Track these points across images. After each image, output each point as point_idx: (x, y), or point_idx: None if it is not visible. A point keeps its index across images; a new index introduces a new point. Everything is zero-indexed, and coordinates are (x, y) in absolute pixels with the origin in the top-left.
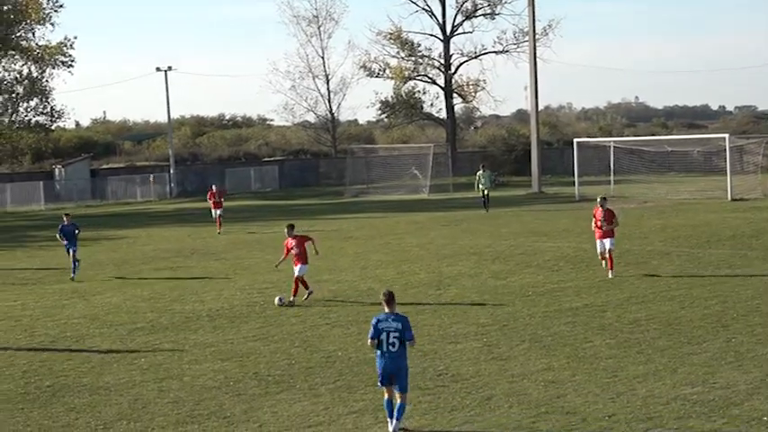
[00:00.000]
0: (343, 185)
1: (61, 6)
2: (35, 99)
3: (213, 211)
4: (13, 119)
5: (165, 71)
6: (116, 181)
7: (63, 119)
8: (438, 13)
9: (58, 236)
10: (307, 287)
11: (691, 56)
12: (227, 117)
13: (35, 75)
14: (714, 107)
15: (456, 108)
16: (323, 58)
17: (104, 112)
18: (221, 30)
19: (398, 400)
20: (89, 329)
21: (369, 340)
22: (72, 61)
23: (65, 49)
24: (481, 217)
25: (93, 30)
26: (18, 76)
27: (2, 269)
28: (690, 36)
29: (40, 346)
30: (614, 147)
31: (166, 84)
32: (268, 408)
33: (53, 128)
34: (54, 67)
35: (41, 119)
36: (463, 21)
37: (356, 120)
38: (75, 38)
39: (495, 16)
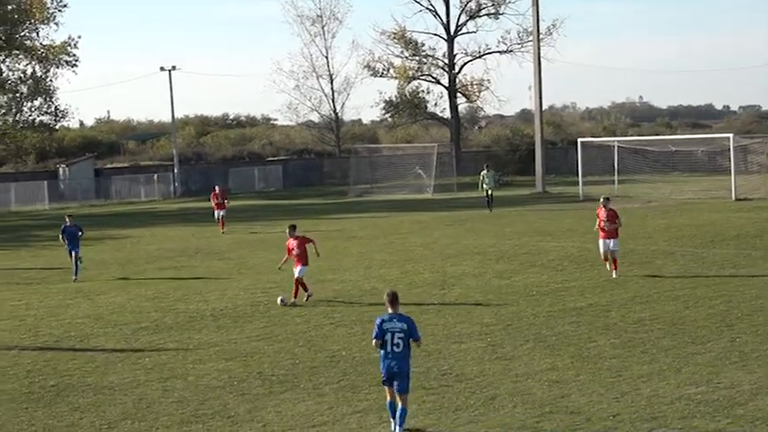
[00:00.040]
0: (347, 185)
1: (65, 6)
2: (39, 99)
3: (216, 212)
4: (17, 118)
5: (170, 71)
6: (120, 180)
7: (67, 118)
8: (442, 12)
9: (60, 237)
10: (306, 289)
11: (695, 55)
12: (230, 117)
13: (39, 74)
14: (718, 107)
15: (460, 108)
16: (327, 57)
17: (108, 112)
18: (225, 29)
19: (399, 404)
20: (93, 329)
21: (373, 340)
22: (76, 61)
23: (69, 48)
24: (485, 217)
25: (98, 29)
26: (22, 75)
27: (6, 269)
28: (693, 36)
29: (45, 345)
30: (618, 146)
31: (170, 83)
32: (272, 407)
33: (57, 127)
34: (58, 67)
35: (45, 118)
36: (467, 20)
37: (360, 119)
38: (80, 37)
39: (499, 16)
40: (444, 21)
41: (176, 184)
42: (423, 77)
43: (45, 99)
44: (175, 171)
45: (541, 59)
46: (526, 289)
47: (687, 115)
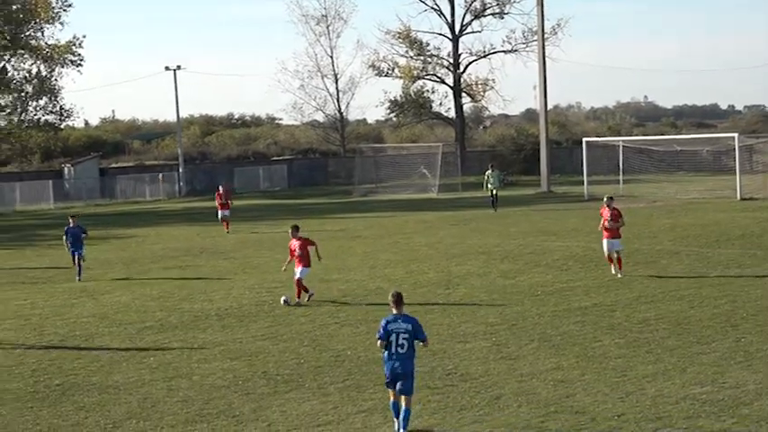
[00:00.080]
0: (352, 185)
1: (70, 5)
2: (44, 98)
3: (220, 212)
4: (22, 118)
5: (174, 70)
6: (125, 180)
7: (72, 118)
8: (447, 12)
9: (64, 240)
10: (306, 290)
11: (700, 55)
12: (235, 116)
13: (44, 74)
14: (723, 106)
15: (465, 107)
16: (332, 57)
17: (113, 111)
18: (230, 29)
19: (403, 405)
20: (98, 328)
21: (378, 341)
22: (81, 60)
23: (74, 48)
24: (490, 216)
25: (103, 29)
26: (27, 75)
27: (11, 268)
28: (698, 35)
29: (50, 344)
30: (623, 146)
31: (175, 83)
32: (277, 407)
33: (62, 127)
34: (63, 66)
35: (50, 118)
36: (472, 20)
37: (365, 119)
38: (84, 37)
39: (504, 15)
40: (449, 20)
41: (181, 183)
42: (427, 77)
43: (50, 98)
44: (180, 170)
45: (546, 59)
46: (531, 289)
47: (692, 115)
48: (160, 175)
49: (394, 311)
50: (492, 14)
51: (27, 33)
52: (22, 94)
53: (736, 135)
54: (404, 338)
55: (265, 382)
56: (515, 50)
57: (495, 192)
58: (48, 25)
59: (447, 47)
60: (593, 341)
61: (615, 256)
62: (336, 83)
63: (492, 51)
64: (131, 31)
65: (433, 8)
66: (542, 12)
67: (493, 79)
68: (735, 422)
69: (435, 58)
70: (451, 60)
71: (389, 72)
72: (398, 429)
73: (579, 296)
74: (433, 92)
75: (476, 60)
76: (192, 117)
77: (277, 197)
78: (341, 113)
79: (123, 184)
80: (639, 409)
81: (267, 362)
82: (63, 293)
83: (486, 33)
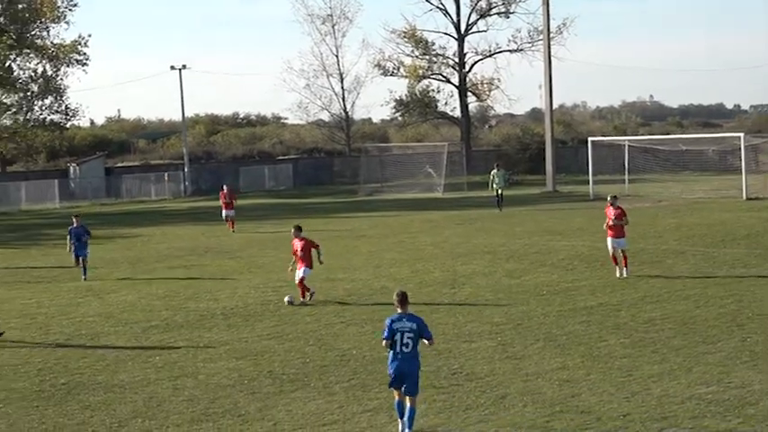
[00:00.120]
0: (358, 184)
1: (75, 5)
2: (50, 97)
3: (224, 211)
4: (27, 117)
5: (180, 69)
6: (131, 179)
7: (77, 117)
8: (452, 11)
9: (67, 240)
10: (308, 290)
11: (705, 55)
12: (241, 115)
13: (50, 73)
14: (729, 106)
15: (470, 107)
16: (337, 56)
17: (119, 111)
18: (235, 28)
19: (408, 404)
20: (104, 327)
21: (383, 341)
22: (86, 59)
23: (79, 47)
24: (495, 216)
25: (108, 28)
26: (33, 74)
27: (17, 267)
28: (704, 35)
29: (55, 343)
30: (629, 145)
31: (181, 82)
32: (282, 406)
33: (68, 126)
34: (68, 66)
35: (56, 117)
36: (477, 19)
37: (370, 118)
38: (90, 36)
39: (510, 15)
40: (455, 20)
41: (187, 182)
42: (433, 76)
43: (56, 98)
44: (186, 170)
45: (552, 58)
46: (536, 288)
47: (698, 114)
48: (165, 174)
49: (399, 310)
50: (497, 14)
51: (33, 33)
52: (28, 93)
53: (741, 135)
54: (409, 337)
55: (271, 382)
56: (521, 50)
57: (500, 191)
58: (53, 24)
59: (452, 46)
60: (598, 341)
61: (621, 255)
62: (342, 82)
63: (497, 51)
64: (137, 30)
65: (438, 7)
66: (548, 11)
67: (498, 78)
68: (740, 422)
69: (441, 58)
70: (457, 60)
71: (395, 71)
72: (403, 429)
73: (585, 296)
74: (438, 91)
75: (481, 60)
76: (198, 116)
77: (282, 196)
78: (346, 113)
79: (129, 183)
80: (645, 409)
81: (273, 361)
82: (68, 292)
83: (492, 33)
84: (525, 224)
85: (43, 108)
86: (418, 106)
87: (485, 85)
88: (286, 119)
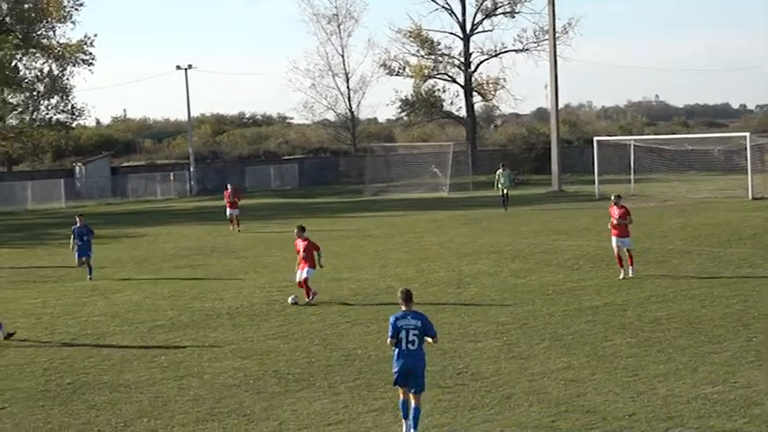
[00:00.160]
0: (363, 184)
1: (81, 5)
2: (56, 97)
3: (228, 211)
4: (33, 117)
5: (186, 69)
6: (136, 179)
7: (83, 117)
8: (458, 11)
9: (71, 239)
10: (310, 290)
11: (711, 54)
12: (247, 115)
13: (56, 73)
14: (735, 106)
15: (476, 106)
16: (343, 56)
17: (125, 110)
18: (242, 28)
19: (413, 403)
20: (109, 327)
21: (389, 339)
22: (92, 59)
23: (85, 47)
24: (501, 215)
25: (114, 28)
26: (39, 74)
27: (23, 267)
28: (709, 34)
29: (61, 343)
30: (634, 145)
31: (186, 82)
32: (288, 406)
33: (74, 126)
34: (74, 65)
35: (62, 117)
36: (483, 19)
37: (376, 118)
38: (96, 36)
39: (515, 15)
40: (460, 19)
41: (192, 182)
42: (438, 76)
43: (62, 97)
44: (191, 169)
45: (557, 58)
46: (542, 288)
47: (703, 114)
48: (171, 174)
49: (403, 308)
50: (503, 13)
51: (39, 32)
52: (34, 92)
53: (747, 134)
54: (414, 335)
55: (276, 381)
56: (526, 49)
57: (505, 191)
58: (59, 24)
59: (458, 46)
60: (604, 340)
61: (626, 254)
62: (347, 82)
63: (503, 50)
64: (143, 30)
65: (444, 7)
66: (553, 11)
67: (504, 78)
68: (746, 422)
69: (446, 57)
70: (462, 59)
71: (400, 71)
72: (408, 429)
73: (590, 295)
74: (444, 91)
75: (487, 59)
76: (204, 116)
77: (288, 196)
78: (352, 112)
79: (134, 182)
80: (650, 409)
81: (278, 361)
82: (74, 292)
83: (498, 32)
84: (531, 224)
85: (49, 108)
86: (424, 106)
87: (490, 85)
88: (292, 119)
